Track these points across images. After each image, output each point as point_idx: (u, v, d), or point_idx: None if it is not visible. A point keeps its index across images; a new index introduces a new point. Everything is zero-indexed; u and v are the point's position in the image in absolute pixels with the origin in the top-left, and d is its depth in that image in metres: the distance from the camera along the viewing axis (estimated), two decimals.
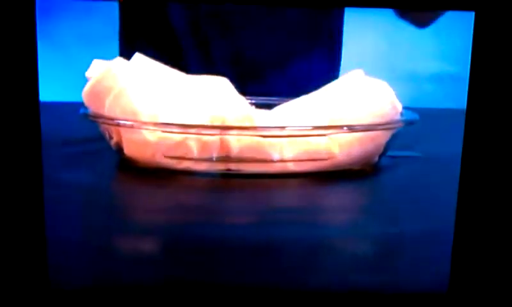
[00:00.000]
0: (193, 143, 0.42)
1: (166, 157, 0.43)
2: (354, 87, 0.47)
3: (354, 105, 0.45)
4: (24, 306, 0.26)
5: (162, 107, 0.42)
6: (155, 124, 0.42)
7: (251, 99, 0.49)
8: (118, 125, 0.43)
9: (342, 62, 0.83)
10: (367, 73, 0.49)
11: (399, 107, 0.47)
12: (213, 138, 0.42)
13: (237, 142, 0.43)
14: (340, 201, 0.44)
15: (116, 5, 0.81)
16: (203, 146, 0.43)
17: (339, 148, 0.44)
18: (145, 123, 0.42)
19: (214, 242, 0.34)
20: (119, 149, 0.45)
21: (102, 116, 0.44)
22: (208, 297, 0.28)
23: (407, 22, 0.67)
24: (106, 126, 0.45)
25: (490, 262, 0.26)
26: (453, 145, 0.29)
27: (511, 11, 0.24)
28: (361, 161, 0.46)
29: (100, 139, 0.48)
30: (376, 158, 0.47)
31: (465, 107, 0.25)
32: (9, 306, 0.25)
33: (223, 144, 0.43)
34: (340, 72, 0.79)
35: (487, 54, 0.25)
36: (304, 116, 0.46)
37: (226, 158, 0.44)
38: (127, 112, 0.42)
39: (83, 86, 0.47)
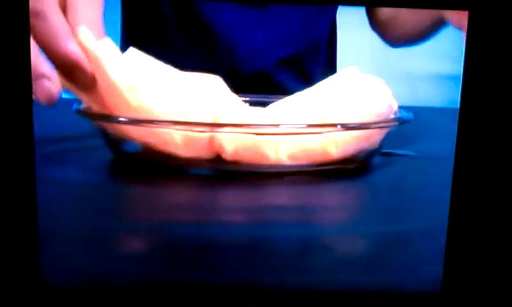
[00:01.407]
0: (180, 139, 0.42)
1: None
2: (350, 84, 0.47)
3: (350, 103, 0.45)
4: (15, 302, 0.26)
5: (152, 101, 0.42)
6: (149, 121, 0.42)
7: (244, 96, 0.49)
8: (113, 121, 0.43)
9: (337, 61, 0.83)
10: (362, 71, 0.49)
11: (395, 106, 0.47)
12: (204, 136, 0.42)
13: (231, 141, 0.43)
14: (333, 200, 0.44)
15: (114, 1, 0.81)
16: (193, 144, 0.42)
17: (335, 146, 0.44)
18: (141, 120, 0.42)
19: (209, 240, 0.34)
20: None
21: (96, 113, 0.44)
22: (203, 297, 0.28)
23: (378, 35, 0.67)
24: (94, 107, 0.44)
25: (484, 261, 0.26)
26: (447, 144, 0.29)
27: (504, 10, 0.24)
28: (355, 159, 0.46)
29: (94, 135, 0.48)
30: (368, 156, 0.47)
31: (458, 106, 0.25)
32: (1, 303, 0.25)
33: (216, 143, 0.43)
34: (336, 71, 0.78)
35: (480, 54, 0.25)
36: (299, 114, 0.46)
37: (219, 157, 0.44)
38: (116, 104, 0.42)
39: None
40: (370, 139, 0.46)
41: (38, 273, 0.26)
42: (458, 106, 0.25)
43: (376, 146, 0.47)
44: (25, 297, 0.26)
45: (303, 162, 0.45)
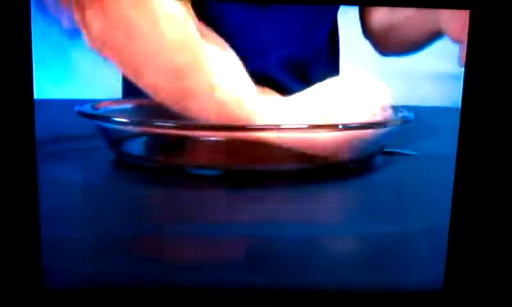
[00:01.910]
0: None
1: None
2: (351, 86, 0.47)
3: (349, 105, 0.45)
4: (16, 304, 0.26)
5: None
6: (150, 122, 0.42)
7: None
8: (112, 123, 0.43)
9: (339, 61, 0.83)
10: (365, 70, 0.49)
11: (388, 110, 0.47)
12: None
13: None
14: (335, 200, 0.44)
15: None
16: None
17: (334, 145, 0.44)
18: (141, 121, 0.42)
19: (211, 241, 0.34)
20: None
21: (95, 115, 0.44)
22: (203, 296, 0.28)
23: (370, 43, 0.67)
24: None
25: (485, 260, 0.26)
26: (448, 143, 0.29)
27: (505, 9, 0.24)
28: (357, 159, 0.46)
29: (95, 136, 0.48)
30: (370, 156, 0.47)
31: (460, 105, 0.25)
32: (1, 304, 0.25)
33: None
34: (338, 71, 0.78)
35: (482, 52, 0.25)
36: (300, 114, 0.46)
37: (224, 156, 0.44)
38: None
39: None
40: (368, 138, 0.46)
41: (39, 275, 0.26)
42: (459, 105, 0.25)
43: (376, 146, 0.47)
44: (26, 299, 0.26)
45: (306, 162, 0.45)
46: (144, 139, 0.46)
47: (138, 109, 0.45)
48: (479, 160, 0.25)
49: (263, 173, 0.45)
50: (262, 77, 0.73)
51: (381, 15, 0.69)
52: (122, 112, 0.45)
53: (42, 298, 0.25)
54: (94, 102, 0.47)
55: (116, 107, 0.46)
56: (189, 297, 0.27)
